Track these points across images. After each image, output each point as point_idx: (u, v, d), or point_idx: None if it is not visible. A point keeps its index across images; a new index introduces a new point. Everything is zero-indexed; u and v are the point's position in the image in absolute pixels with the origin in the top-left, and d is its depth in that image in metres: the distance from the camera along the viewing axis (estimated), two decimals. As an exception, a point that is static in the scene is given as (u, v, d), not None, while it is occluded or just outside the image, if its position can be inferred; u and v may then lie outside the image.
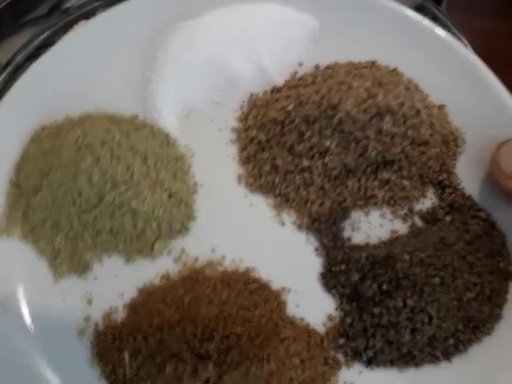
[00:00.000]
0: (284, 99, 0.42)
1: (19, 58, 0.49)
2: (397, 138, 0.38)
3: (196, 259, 0.39)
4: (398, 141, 0.38)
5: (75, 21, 0.50)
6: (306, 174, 0.40)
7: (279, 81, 0.46)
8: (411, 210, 0.40)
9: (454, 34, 0.49)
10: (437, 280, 0.34)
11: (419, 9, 0.49)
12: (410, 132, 0.38)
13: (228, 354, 0.33)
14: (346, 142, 0.39)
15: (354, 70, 0.43)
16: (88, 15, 0.49)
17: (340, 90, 0.39)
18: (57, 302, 0.38)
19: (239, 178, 0.42)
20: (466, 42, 0.49)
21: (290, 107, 0.40)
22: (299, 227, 0.40)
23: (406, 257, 0.35)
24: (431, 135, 0.40)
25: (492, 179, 0.39)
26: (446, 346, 0.34)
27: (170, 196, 0.40)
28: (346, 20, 0.45)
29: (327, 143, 0.39)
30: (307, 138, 0.39)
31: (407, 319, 0.34)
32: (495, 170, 0.37)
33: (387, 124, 0.38)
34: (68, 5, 0.52)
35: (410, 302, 0.34)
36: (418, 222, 0.39)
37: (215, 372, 0.32)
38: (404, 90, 0.40)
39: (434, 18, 0.50)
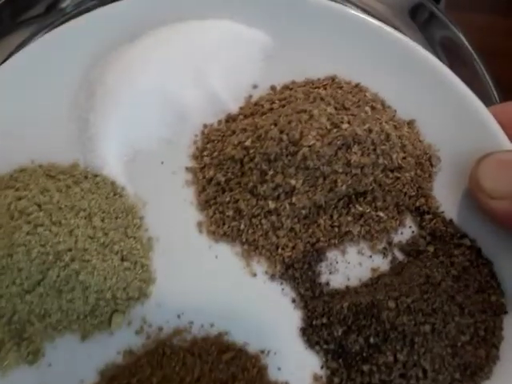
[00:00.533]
0: (241, 132, 0.38)
1: (16, 57, 0.49)
2: (367, 168, 0.35)
3: (160, 329, 0.35)
4: (368, 171, 0.35)
5: (72, 19, 0.47)
6: (273, 217, 0.36)
7: (233, 108, 0.41)
8: (390, 243, 0.36)
9: (452, 32, 0.46)
10: (427, 328, 0.31)
11: (418, 7, 0.46)
12: (380, 159, 0.35)
13: None
14: (312, 179, 0.35)
15: (314, 89, 0.39)
16: (84, 14, 0.46)
17: (300, 122, 0.34)
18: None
19: (200, 225, 0.37)
20: (465, 40, 0.46)
21: (248, 143, 0.36)
22: (272, 277, 0.36)
23: (392, 304, 0.32)
24: (404, 159, 0.36)
25: (472, 198, 0.36)
26: (444, 398, 0.32)
27: (122, 259, 0.36)
28: (301, 34, 0.40)
29: (292, 182, 0.35)
30: (270, 178, 0.35)
31: (400, 376, 0.31)
32: (475, 188, 0.34)
33: (355, 155, 0.34)
34: (65, 4, 0.50)
35: (401, 356, 0.31)
36: (399, 256, 0.36)
37: None
38: (370, 111, 0.36)
39: (433, 16, 0.47)
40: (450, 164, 0.38)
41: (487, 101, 0.52)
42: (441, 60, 0.59)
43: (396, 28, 0.57)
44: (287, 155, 0.34)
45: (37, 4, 0.49)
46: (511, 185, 0.32)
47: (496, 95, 0.51)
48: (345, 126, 0.34)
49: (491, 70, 0.52)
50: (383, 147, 0.35)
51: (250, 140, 0.36)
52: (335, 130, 0.34)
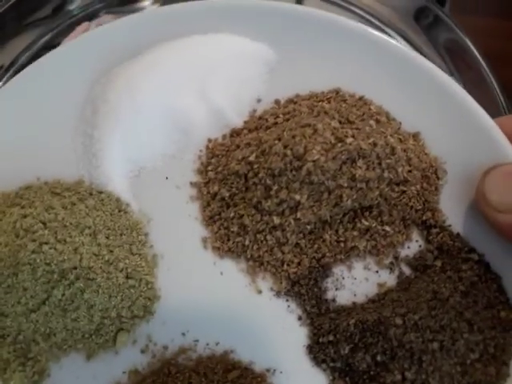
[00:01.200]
0: (245, 147, 0.38)
1: (23, 59, 0.49)
2: (372, 182, 0.34)
3: (165, 347, 0.34)
4: (373, 185, 0.34)
5: (78, 22, 0.50)
6: (278, 233, 0.35)
7: (238, 122, 0.41)
8: (397, 258, 0.36)
9: (457, 35, 0.46)
10: (435, 345, 0.31)
11: (422, 10, 0.46)
12: (386, 173, 0.34)
13: None
14: (317, 194, 0.34)
15: (318, 102, 0.39)
16: (91, 16, 0.49)
17: (304, 136, 0.34)
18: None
19: (204, 241, 0.37)
20: (470, 44, 0.46)
21: (252, 158, 0.36)
22: (278, 293, 0.36)
23: (399, 321, 0.31)
24: (409, 172, 0.36)
25: (478, 211, 0.35)
26: (454, 417, 0.31)
27: (127, 277, 0.36)
28: (305, 47, 0.40)
29: (297, 197, 0.34)
30: (274, 193, 0.35)
31: (408, 395, 0.31)
32: (481, 201, 0.34)
33: (360, 169, 0.34)
34: (72, 6, 0.51)
35: (408, 375, 0.31)
36: (406, 270, 0.36)
37: None
38: (375, 125, 0.36)
39: (437, 19, 0.47)
40: (456, 177, 0.37)
41: (493, 105, 0.51)
42: (445, 63, 0.59)
43: (400, 31, 0.57)
44: (291, 170, 0.34)
45: (43, 6, 0.50)
46: None
47: (502, 99, 0.50)
48: (349, 140, 0.34)
49: (497, 74, 0.51)
50: (388, 161, 0.34)
51: (254, 155, 0.36)
52: (340, 145, 0.34)
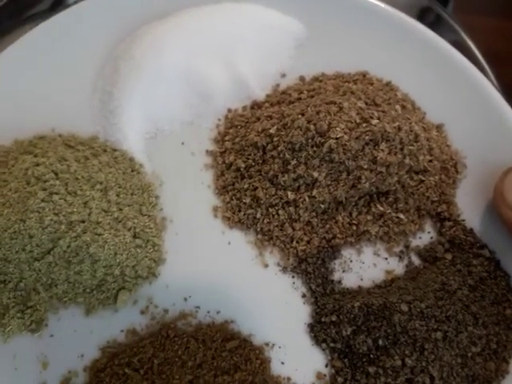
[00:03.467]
0: (266, 119, 0.37)
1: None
2: (393, 168, 0.34)
3: (166, 311, 0.34)
4: (393, 170, 0.34)
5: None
6: (291, 209, 0.35)
7: (260, 95, 0.40)
8: (407, 247, 0.36)
9: (459, 36, 0.45)
10: (439, 335, 0.31)
11: (426, 10, 0.46)
12: (407, 160, 0.34)
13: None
14: (336, 173, 0.34)
15: (344, 83, 0.38)
16: None
17: (329, 113, 0.34)
18: (7, 368, 0.33)
19: (215, 210, 0.37)
20: (472, 45, 0.45)
21: (273, 130, 0.35)
22: (284, 269, 0.35)
23: (405, 307, 0.31)
24: (430, 162, 0.35)
25: (495, 210, 0.35)
26: (450, 408, 0.31)
27: (134, 236, 0.35)
28: (335, 25, 0.40)
29: (315, 174, 0.34)
30: (292, 168, 0.34)
31: (406, 381, 0.30)
32: (498, 200, 0.33)
33: (382, 152, 0.33)
34: (70, 0, 0.48)
35: (409, 361, 0.30)
36: (416, 261, 0.35)
37: None
38: (400, 110, 0.35)
39: (440, 20, 0.46)
40: (475, 172, 0.37)
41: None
42: None
43: None
44: (312, 146, 0.33)
45: (42, 0, 0.48)
46: None
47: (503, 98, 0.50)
48: (374, 121, 0.33)
49: (499, 74, 0.51)
50: (411, 147, 0.34)
51: (275, 127, 0.35)
52: (364, 125, 0.33)
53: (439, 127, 0.38)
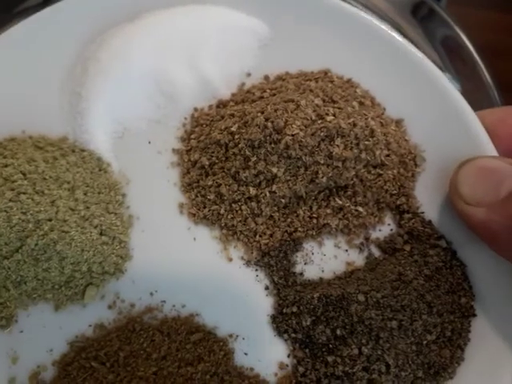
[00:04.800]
0: (228, 118, 0.38)
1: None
2: (349, 162, 0.35)
3: (132, 305, 0.35)
4: (350, 164, 0.35)
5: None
6: (253, 204, 0.36)
7: (225, 93, 0.41)
8: (367, 239, 0.37)
9: (453, 30, 0.46)
10: (394, 323, 0.32)
11: (419, 4, 0.47)
12: (363, 155, 0.35)
13: (166, 421, 0.30)
14: (294, 169, 0.35)
15: (306, 81, 0.39)
16: None
17: (287, 111, 0.35)
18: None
19: (181, 207, 0.38)
20: (465, 39, 0.46)
21: (234, 128, 0.36)
22: (248, 263, 0.36)
23: (361, 298, 0.32)
24: (387, 156, 0.36)
25: (451, 203, 0.36)
26: (406, 395, 0.32)
27: (101, 233, 0.36)
28: (298, 25, 0.40)
29: (274, 170, 0.35)
30: (252, 164, 0.35)
31: (363, 369, 0.31)
32: (453, 193, 0.34)
33: (338, 148, 0.34)
34: None
35: (365, 350, 0.31)
36: (376, 252, 0.36)
37: None
38: (358, 106, 0.36)
39: (433, 14, 0.47)
40: (434, 166, 0.38)
41: (486, 99, 0.51)
42: (440, 57, 0.59)
43: (397, 25, 0.57)
44: (271, 143, 0.34)
45: None
46: (488, 193, 0.32)
47: (496, 93, 0.50)
48: (329, 118, 0.34)
49: (492, 68, 0.51)
50: (367, 142, 0.35)
51: (236, 125, 0.36)
52: (320, 121, 0.34)
53: (398, 122, 0.39)
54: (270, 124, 0.34)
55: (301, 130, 0.34)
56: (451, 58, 0.55)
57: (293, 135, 0.34)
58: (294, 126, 0.34)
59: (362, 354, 0.31)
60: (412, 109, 0.39)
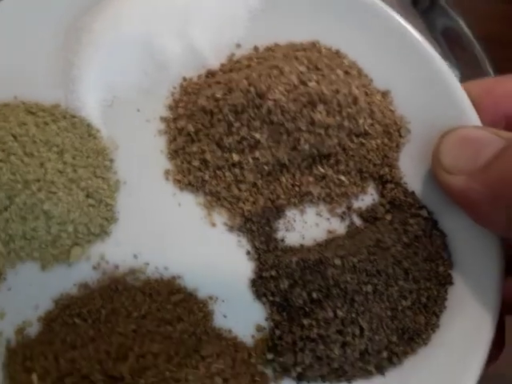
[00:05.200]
0: (214, 85, 0.38)
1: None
2: (332, 130, 0.35)
3: (117, 267, 0.36)
4: (333, 132, 0.35)
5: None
6: (237, 170, 0.37)
7: (215, 64, 0.41)
8: (349, 208, 0.37)
9: (453, 20, 0.46)
10: (369, 288, 0.32)
11: None
12: (346, 122, 0.35)
13: (142, 375, 0.30)
14: (276, 135, 0.35)
15: (293, 52, 0.39)
16: None
17: (270, 76, 0.35)
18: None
19: (167, 173, 0.38)
20: (466, 29, 0.46)
21: (219, 94, 0.37)
22: (231, 228, 0.37)
23: (338, 262, 0.32)
24: (371, 125, 0.36)
25: (432, 172, 0.36)
26: (379, 359, 0.32)
27: (87, 196, 0.37)
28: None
29: (257, 136, 0.35)
30: (236, 130, 0.36)
31: (337, 332, 0.32)
32: (435, 163, 0.34)
33: (320, 114, 0.34)
34: None
35: (340, 313, 0.32)
36: (357, 221, 0.37)
37: (126, 396, 0.30)
38: (342, 75, 0.36)
39: (435, 4, 0.47)
40: (419, 137, 0.37)
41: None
42: (441, 47, 0.58)
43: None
44: (253, 108, 0.35)
45: None
46: (469, 162, 0.32)
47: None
48: (312, 84, 0.34)
49: (493, 57, 0.51)
50: (349, 110, 0.35)
51: (221, 92, 0.36)
52: (302, 87, 0.34)
53: (385, 93, 0.38)
54: (252, 89, 0.34)
55: (283, 95, 0.34)
56: (452, 48, 0.55)
57: (275, 100, 0.34)
58: (276, 90, 0.34)
59: (337, 317, 0.32)
60: (399, 81, 0.39)
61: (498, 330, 0.35)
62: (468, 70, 0.57)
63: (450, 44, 0.59)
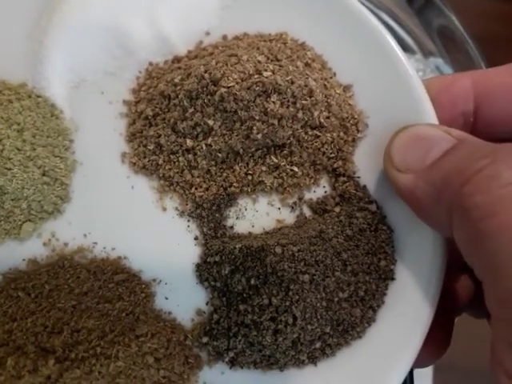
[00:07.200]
0: (176, 70, 0.39)
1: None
2: (285, 120, 0.35)
3: (66, 244, 0.36)
4: (286, 123, 0.35)
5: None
6: (190, 156, 0.37)
7: (182, 50, 0.42)
8: (301, 199, 0.37)
9: (448, 19, 0.46)
10: (306, 277, 0.32)
11: None
12: (300, 114, 0.35)
13: (73, 349, 0.31)
14: (230, 123, 0.35)
15: (259, 42, 0.40)
16: None
17: (226, 64, 0.35)
18: None
19: (123, 156, 0.39)
20: (461, 28, 0.46)
21: (177, 80, 0.37)
22: (181, 213, 0.37)
23: (278, 250, 0.33)
24: (327, 118, 0.36)
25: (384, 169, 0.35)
26: (312, 349, 0.32)
27: (43, 174, 0.38)
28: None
29: (210, 122, 0.35)
30: (190, 116, 0.36)
31: (270, 319, 0.32)
32: (386, 160, 0.34)
33: (273, 104, 0.34)
34: None
35: (274, 300, 0.32)
36: (307, 212, 0.37)
37: (56, 369, 0.30)
38: (302, 67, 0.36)
39: (429, 2, 0.47)
40: (377, 132, 0.37)
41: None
42: (437, 46, 0.58)
43: (393, 14, 0.57)
44: (207, 94, 0.35)
45: None
46: (417, 160, 0.32)
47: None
48: (267, 73, 0.34)
49: (488, 57, 0.50)
50: (304, 102, 0.35)
51: (179, 77, 0.37)
52: (256, 76, 0.34)
53: (347, 87, 0.38)
54: (207, 75, 0.35)
55: (237, 83, 0.34)
56: (447, 47, 0.55)
57: (228, 87, 0.34)
58: (230, 78, 0.34)
59: (272, 304, 0.32)
60: (364, 76, 0.39)
61: (445, 329, 0.35)
62: (462, 69, 0.57)
63: (445, 42, 0.58)
